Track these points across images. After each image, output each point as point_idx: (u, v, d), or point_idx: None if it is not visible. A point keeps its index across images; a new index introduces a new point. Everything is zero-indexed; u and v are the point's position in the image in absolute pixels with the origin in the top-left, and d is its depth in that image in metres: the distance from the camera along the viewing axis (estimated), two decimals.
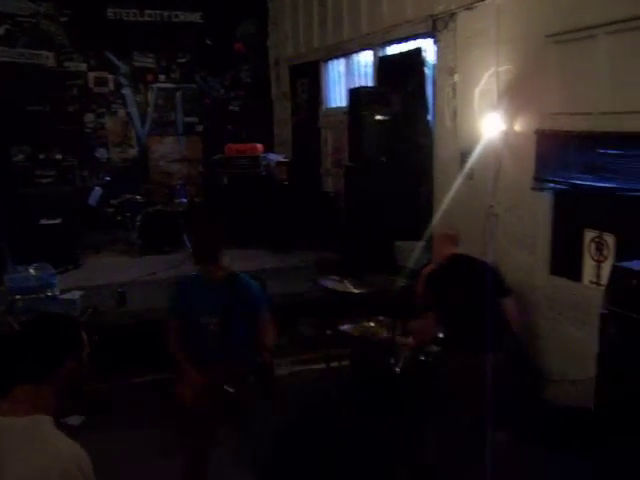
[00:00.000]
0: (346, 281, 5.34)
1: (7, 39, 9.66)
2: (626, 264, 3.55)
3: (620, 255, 4.62)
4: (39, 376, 1.86)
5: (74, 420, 4.88)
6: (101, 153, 10.63)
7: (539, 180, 5.34)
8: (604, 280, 4.33)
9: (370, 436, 1.20)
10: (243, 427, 3.84)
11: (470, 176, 6.21)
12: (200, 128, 11.19)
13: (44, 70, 9.93)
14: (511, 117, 5.64)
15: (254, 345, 3.82)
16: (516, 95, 5.59)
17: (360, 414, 4.53)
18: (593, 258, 5.02)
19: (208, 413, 3.69)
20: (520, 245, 5.64)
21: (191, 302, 3.80)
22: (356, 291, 5.21)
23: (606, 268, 4.68)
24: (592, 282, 5.03)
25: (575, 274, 5.19)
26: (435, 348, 4.66)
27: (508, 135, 5.69)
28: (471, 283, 4.18)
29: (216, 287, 3.76)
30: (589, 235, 5.04)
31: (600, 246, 4.94)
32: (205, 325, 3.72)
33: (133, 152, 10.86)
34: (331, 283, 5.40)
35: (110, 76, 10.54)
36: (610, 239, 4.84)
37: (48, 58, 9.97)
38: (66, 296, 6.15)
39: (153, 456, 4.59)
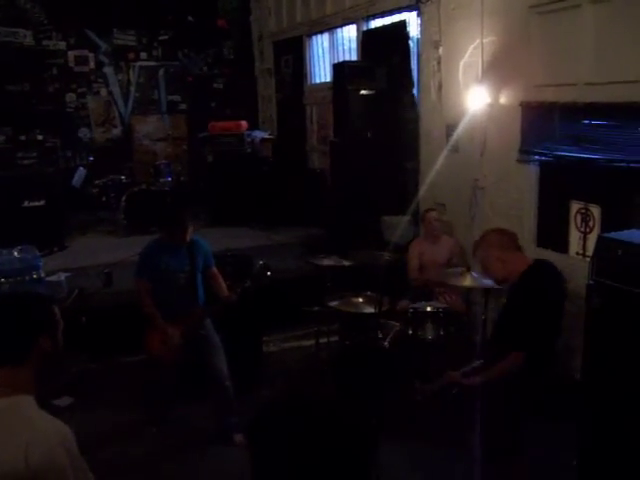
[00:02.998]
0: (333, 258, 5.34)
1: None
2: (611, 234, 3.54)
3: (606, 226, 4.65)
4: (15, 358, 1.84)
5: (63, 401, 4.89)
6: (84, 133, 10.52)
7: (525, 152, 5.33)
8: (590, 251, 4.34)
9: (355, 411, 1.18)
10: (208, 359, 4.53)
11: (456, 149, 6.20)
12: (184, 106, 11.09)
13: (22, 49, 9.74)
14: (496, 89, 5.61)
15: (210, 291, 4.66)
16: (501, 67, 5.56)
17: (348, 389, 4.55)
18: (579, 229, 5.04)
19: (175, 357, 4.40)
20: (506, 218, 5.64)
21: (166, 262, 4.47)
22: (344, 264, 5.23)
23: (592, 239, 4.69)
24: (578, 253, 5.06)
25: (561, 246, 5.22)
26: None
27: (493, 107, 5.67)
28: (562, 308, 3.76)
29: (181, 248, 4.48)
30: (575, 207, 5.06)
31: (586, 217, 4.96)
32: (178, 279, 4.48)
33: (116, 131, 10.76)
34: (319, 260, 5.41)
35: (90, 54, 10.38)
36: (596, 210, 4.86)
37: (25, 36, 9.78)
38: (52, 278, 6.09)
39: (142, 435, 4.60)
